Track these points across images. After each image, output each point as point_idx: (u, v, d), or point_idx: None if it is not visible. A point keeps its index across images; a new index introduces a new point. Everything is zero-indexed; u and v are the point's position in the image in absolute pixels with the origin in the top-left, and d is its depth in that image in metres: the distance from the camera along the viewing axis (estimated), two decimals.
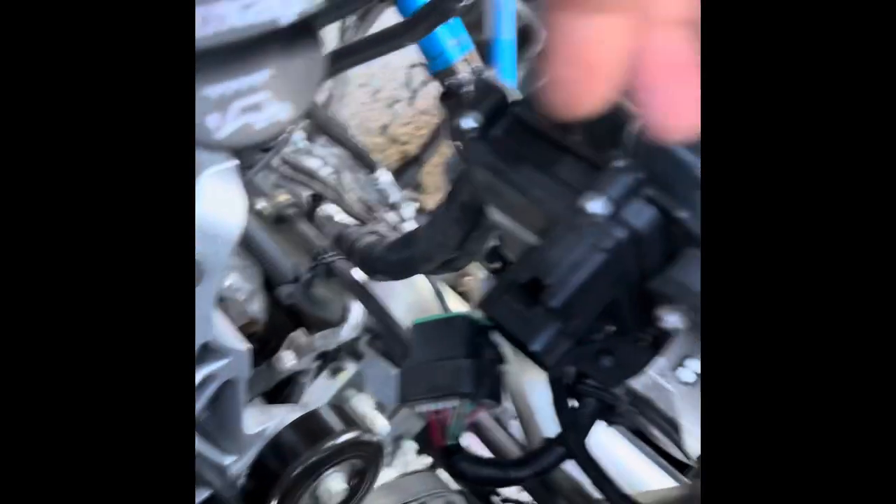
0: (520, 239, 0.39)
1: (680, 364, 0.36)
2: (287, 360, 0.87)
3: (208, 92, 0.24)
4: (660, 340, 0.36)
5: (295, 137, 1.03)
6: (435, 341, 0.40)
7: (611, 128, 0.30)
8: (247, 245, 0.82)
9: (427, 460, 1.07)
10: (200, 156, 0.34)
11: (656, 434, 1.02)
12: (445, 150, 1.74)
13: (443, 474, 0.94)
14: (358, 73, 2.18)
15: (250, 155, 0.91)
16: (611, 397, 0.40)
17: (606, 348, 0.38)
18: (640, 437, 0.95)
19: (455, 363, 0.39)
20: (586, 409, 0.40)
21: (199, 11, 0.23)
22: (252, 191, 1.00)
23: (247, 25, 0.27)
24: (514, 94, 0.35)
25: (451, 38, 0.88)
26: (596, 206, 0.29)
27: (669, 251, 0.31)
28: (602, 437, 0.88)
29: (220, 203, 0.37)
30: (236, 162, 0.31)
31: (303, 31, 0.28)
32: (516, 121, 0.34)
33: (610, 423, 0.42)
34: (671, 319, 0.30)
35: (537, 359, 0.34)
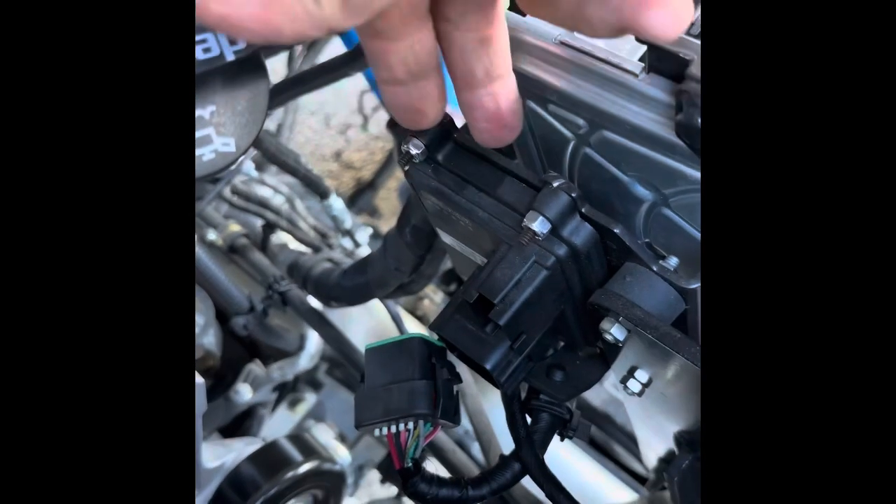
0: (470, 260, 0.40)
1: (629, 376, 0.37)
2: (244, 392, 0.85)
3: None
4: (608, 354, 0.37)
5: (246, 167, 1.03)
6: (388, 365, 0.40)
7: (546, 149, 0.32)
8: (199, 277, 0.81)
9: (392, 490, 1.06)
10: None
11: (617, 449, 1.03)
12: (400, 175, 1.75)
13: (408, 503, 0.93)
14: (309, 101, 2.18)
15: (201, 186, 0.91)
16: (563, 412, 0.41)
17: (557, 363, 0.39)
18: (603, 452, 0.96)
19: (410, 385, 0.39)
20: (540, 424, 0.41)
21: None
22: (203, 222, 0.99)
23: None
24: (457, 118, 0.36)
25: None
26: (536, 225, 0.30)
27: (609, 265, 0.33)
28: (565, 452, 0.89)
29: None
30: None
31: (248, 66, 0.29)
32: (459, 146, 0.35)
33: (564, 437, 0.43)
34: (613, 331, 0.31)
35: (490, 376, 0.35)
